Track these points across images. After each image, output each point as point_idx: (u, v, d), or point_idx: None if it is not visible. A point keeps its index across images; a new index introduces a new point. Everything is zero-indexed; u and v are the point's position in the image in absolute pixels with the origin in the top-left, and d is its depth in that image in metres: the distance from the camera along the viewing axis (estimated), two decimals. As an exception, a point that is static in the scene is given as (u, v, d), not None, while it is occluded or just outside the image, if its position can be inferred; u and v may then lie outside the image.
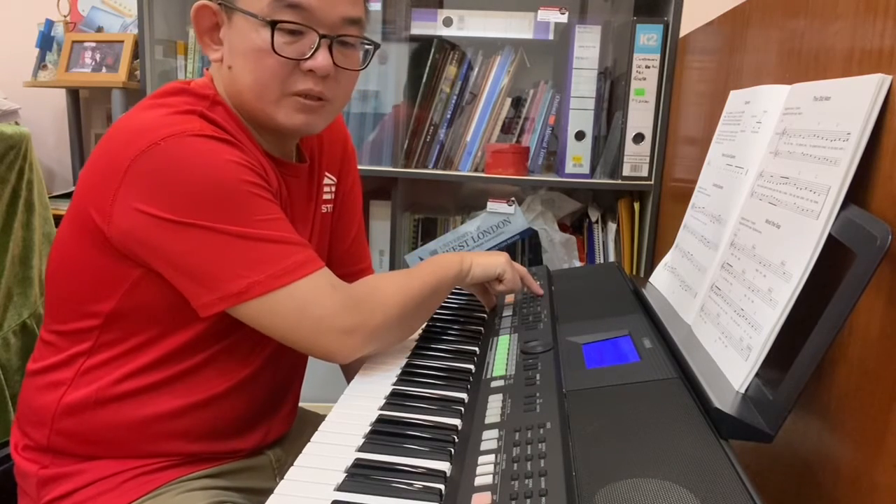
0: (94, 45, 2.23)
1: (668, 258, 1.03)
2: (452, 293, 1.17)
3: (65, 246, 0.84)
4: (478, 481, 0.59)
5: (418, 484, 0.61)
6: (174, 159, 0.75)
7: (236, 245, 0.75)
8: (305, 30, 0.81)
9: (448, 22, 1.79)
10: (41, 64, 2.30)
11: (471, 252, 1.09)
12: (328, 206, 1.02)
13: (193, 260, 0.76)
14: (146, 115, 0.79)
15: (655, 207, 1.69)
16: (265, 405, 0.94)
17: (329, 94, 0.85)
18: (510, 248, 1.85)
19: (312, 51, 0.81)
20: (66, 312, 0.85)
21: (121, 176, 0.75)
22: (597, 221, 1.84)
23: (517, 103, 1.87)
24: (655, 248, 1.71)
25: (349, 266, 1.08)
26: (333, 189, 1.03)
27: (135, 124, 0.78)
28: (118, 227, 0.76)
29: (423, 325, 1.02)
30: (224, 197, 0.75)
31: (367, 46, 0.88)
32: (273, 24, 0.79)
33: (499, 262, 1.00)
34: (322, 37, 0.81)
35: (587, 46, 1.69)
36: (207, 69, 0.90)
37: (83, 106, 2.38)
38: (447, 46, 1.79)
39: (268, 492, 0.61)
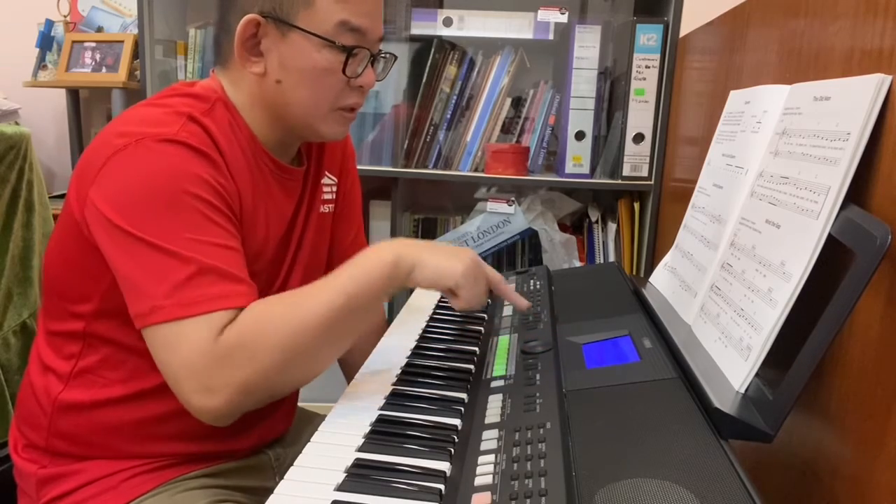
0: (94, 45, 2.23)
1: (668, 258, 1.02)
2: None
3: (54, 243, 0.85)
4: (478, 481, 0.59)
5: (418, 484, 0.61)
6: (135, 162, 0.75)
7: (158, 260, 0.72)
8: (361, 51, 0.84)
9: (448, 22, 1.79)
10: (41, 64, 2.30)
11: (424, 245, 0.82)
12: (328, 206, 1.02)
13: (124, 268, 0.75)
14: (138, 112, 0.81)
15: (655, 207, 1.69)
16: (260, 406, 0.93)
17: (362, 104, 0.90)
18: (510, 248, 1.85)
19: (363, 68, 0.86)
20: (56, 312, 0.85)
21: (97, 170, 0.76)
22: (597, 221, 1.84)
23: (517, 103, 1.87)
24: (655, 248, 1.71)
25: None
26: (334, 189, 1.03)
27: (125, 121, 0.80)
28: (87, 220, 0.77)
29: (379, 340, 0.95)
30: (163, 206, 0.74)
31: (384, 57, 0.92)
32: (349, 51, 0.83)
33: (454, 268, 0.80)
34: (370, 55, 0.86)
35: (587, 46, 1.69)
36: (213, 70, 0.90)
37: (83, 106, 2.38)
38: (447, 46, 1.79)
39: (267, 491, 0.61)
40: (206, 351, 0.71)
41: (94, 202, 0.75)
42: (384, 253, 0.79)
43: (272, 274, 0.91)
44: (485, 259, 1.81)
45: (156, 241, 0.72)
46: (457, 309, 0.85)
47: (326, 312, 0.74)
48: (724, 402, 0.62)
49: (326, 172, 1.01)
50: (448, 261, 0.81)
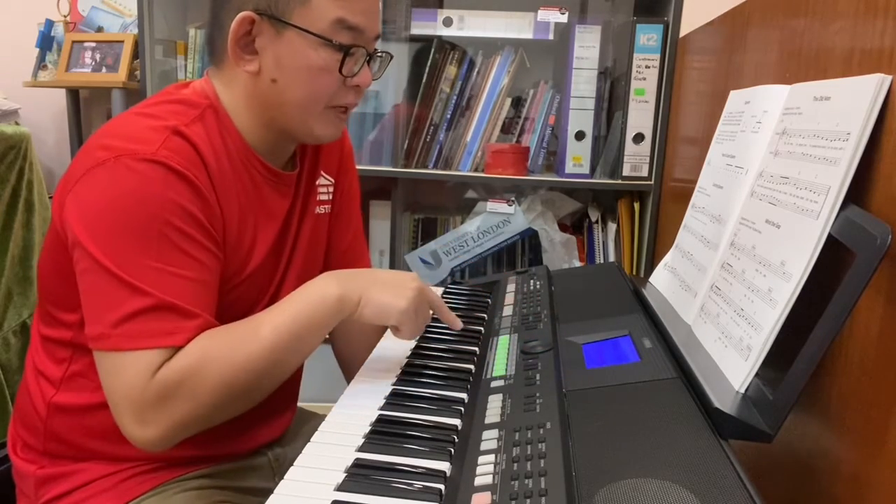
0: (94, 45, 2.23)
1: (668, 258, 1.02)
2: (450, 293, 1.17)
3: (45, 248, 0.85)
4: (478, 481, 0.59)
5: (418, 484, 0.61)
6: (110, 181, 0.74)
7: (113, 288, 0.72)
8: (358, 50, 0.83)
9: (448, 22, 1.80)
10: (41, 64, 2.30)
11: (369, 278, 0.83)
12: (324, 206, 1.01)
13: (84, 287, 0.75)
14: (125, 122, 0.80)
15: (655, 207, 1.69)
16: (259, 409, 0.92)
17: (357, 103, 0.89)
18: (510, 248, 1.85)
19: (359, 67, 0.85)
20: (48, 318, 0.86)
21: (76, 180, 0.75)
22: (597, 221, 1.84)
23: (517, 103, 1.87)
24: (655, 248, 1.71)
25: (348, 266, 1.07)
26: (331, 189, 1.03)
27: (111, 132, 0.79)
28: (63, 227, 0.77)
29: None
30: (132, 231, 0.73)
31: (380, 56, 0.91)
32: (346, 49, 0.81)
33: (397, 306, 0.81)
34: (367, 54, 0.85)
35: (587, 46, 1.70)
36: (207, 71, 0.90)
37: (83, 106, 2.38)
38: (447, 46, 1.79)
39: (267, 491, 0.61)
40: (143, 386, 0.71)
41: (69, 211, 0.75)
42: (330, 288, 0.80)
43: (265, 280, 0.91)
44: (484, 260, 1.84)
45: (115, 270, 0.72)
46: (397, 338, 0.87)
47: (268, 352, 0.76)
48: (724, 402, 0.62)
49: (322, 173, 1.00)
50: (392, 298, 0.82)
